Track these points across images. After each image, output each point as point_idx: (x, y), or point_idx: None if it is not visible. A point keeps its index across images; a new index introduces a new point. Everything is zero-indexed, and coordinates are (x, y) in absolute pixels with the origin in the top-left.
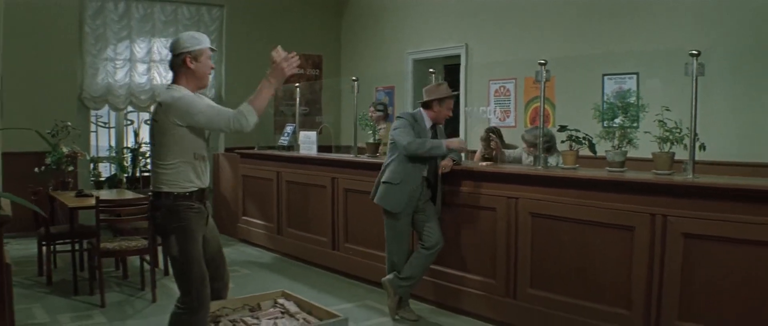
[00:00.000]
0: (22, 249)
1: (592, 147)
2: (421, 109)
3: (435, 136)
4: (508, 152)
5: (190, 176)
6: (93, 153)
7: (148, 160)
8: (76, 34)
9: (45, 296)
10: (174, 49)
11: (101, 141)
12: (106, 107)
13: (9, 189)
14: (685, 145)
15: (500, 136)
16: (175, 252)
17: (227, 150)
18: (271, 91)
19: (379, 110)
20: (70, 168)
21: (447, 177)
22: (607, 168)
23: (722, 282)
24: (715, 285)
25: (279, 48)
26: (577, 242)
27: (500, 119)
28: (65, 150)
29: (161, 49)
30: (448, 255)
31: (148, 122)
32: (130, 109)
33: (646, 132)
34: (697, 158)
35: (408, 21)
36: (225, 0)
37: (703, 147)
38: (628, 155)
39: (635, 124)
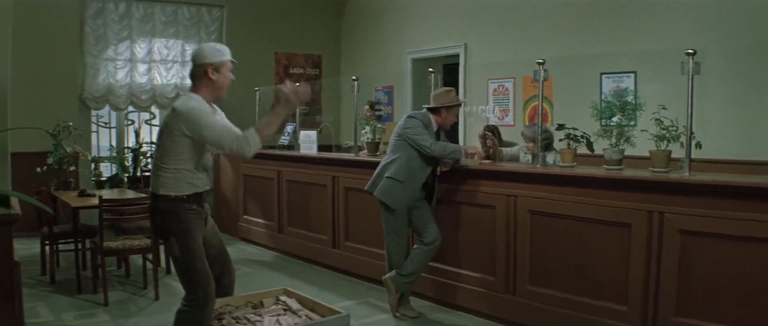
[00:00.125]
0: (24, 248)
1: (590, 145)
2: (428, 112)
3: (438, 139)
4: (505, 150)
5: (189, 182)
6: (94, 153)
7: (149, 160)
8: (77, 34)
9: (49, 295)
10: (196, 59)
11: (102, 141)
12: (107, 107)
13: (11, 189)
14: (682, 143)
15: (498, 135)
16: (177, 253)
17: None
18: (278, 121)
19: (377, 110)
20: (72, 168)
21: (446, 175)
22: (605, 166)
23: (718, 279)
24: (711, 282)
25: (287, 81)
26: (576, 239)
27: (499, 118)
28: (68, 150)
29: (162, 49)
30: (448, 253)
31: (148, 122)
32: (130, 109)
33: (643, 130)
34: (694, 156)
35: (407, 21)
36: (225, 0)
37: (699, 145)
38: (626, 153)
39: (633, 123)
